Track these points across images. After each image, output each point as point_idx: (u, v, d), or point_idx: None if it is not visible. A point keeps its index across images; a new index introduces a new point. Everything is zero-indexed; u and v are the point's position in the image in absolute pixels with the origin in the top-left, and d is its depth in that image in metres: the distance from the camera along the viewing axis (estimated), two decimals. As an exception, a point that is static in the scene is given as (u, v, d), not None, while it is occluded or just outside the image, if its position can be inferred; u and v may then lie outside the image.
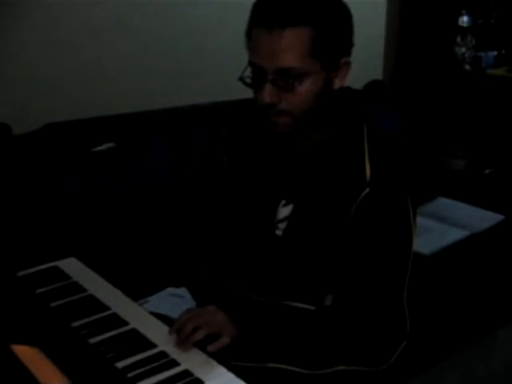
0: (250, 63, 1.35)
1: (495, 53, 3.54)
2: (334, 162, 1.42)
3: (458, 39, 3.54)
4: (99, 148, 2.36)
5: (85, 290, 1.53)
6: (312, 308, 1.45)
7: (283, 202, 1.46)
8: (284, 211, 1.46)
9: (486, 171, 3.33)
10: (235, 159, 1.55)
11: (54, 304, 1.46)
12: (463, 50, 3.53)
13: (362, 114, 1.50)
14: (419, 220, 2.71)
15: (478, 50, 3.55)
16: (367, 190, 1.38)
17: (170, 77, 2.74)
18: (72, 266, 1.65)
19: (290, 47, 1.28)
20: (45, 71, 2.41)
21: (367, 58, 3.47)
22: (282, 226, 1.46)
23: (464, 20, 3.52)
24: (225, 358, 1.29)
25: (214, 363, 1.26)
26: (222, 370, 1.24)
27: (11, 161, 2.16)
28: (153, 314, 1.48)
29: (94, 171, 2.27)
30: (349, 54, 1.39)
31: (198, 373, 1.22)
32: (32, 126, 2.29)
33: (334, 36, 1.33)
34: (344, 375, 1.36)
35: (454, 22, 3.52)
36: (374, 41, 3.57)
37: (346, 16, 1.37)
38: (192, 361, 1.26)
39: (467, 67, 3.53)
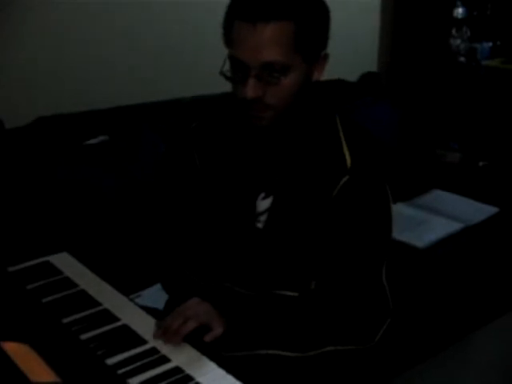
0: (231, 57, 1.34)
1: (490, 44, 3.53)
2: (310, 152, 1.44)
3: (453, 31, 3.53)
4: (92, 141, 2.35)
5: (76, 286, 1.52)
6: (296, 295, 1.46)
7: (262, 194, 1.47)
8: (264, 204, 1.46)
9: (481, 164, 3.33)
10: (207, 154, 1.54)
11: (45, 300, 1.45)
12: (458, 41, 3.53)
13: (333, 105, 1.51)
14: (413, 212, 2.74)
15: (473, 41, 3.54)
16: (347, 177, 1.40)
17: (161, 70, 2.73)
18: (64, 261, 1.64)
19: (274, 42, 1.28)
20: (37, 65, 2.40)
21: (362, 50, 3.46)
22: (263, 218, 1.47)
23: (459, 11, 3.51)
24: (215, 350, 1.29)
25: (205, 359, 1.25)
26: (213, 366, 1.24)
27: (3, 155, 2.14)
28: (146, 308, 1.47)
29: (86, 165, 2.26)
30: (326, 46, 1.40)
31: (189, 369, 1.22)
32: (24, 119, 2.28)
33: (314, 29, 1.34)
34: (333, 356, 1.37)
35: (449, 13, 3.51)
36: (368, 33, 3.56)
37: (324, 10, 1.38)
38: (183, 357, 1.25)
39: (462, 59, 3.52)
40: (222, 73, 1.36)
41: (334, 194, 1.40)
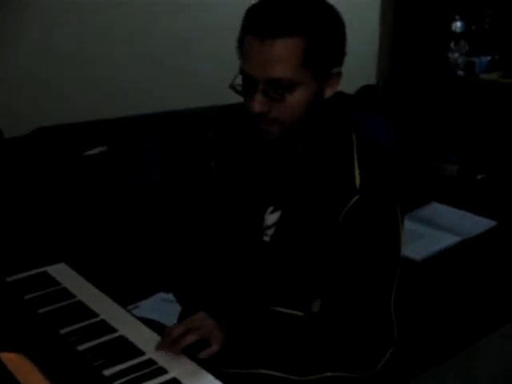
0: (241, 71, 1.34)
1: (488, 58, 3.53)
2: (322, 168, 1.42)
3: (452, 44, 3.54)
4: (91, 152, 2.36)
5: (74, 296, 1.52)
6: (299, 314, 1.45)
7: (271, 208, 1.46)
8: (272, 217, 1.46)
9: (479, 177, 3.33)
10: (222, 164, 1.55)
11: (42, 310, 1.45)
12: (456, 55, 3.53)
13: (351, 122, 1.49)
14: (411, 225, 2.74)
15: (471, 55, 3.55)
16: (357, 197, 1.37)
17: (161, 81, 2.74)
18: (61, 272, 1.64)
19: (281, 58, 1.27)
20: (37, 75, 2.40)
21: (360, 63, 3.47)
22: (270, 232, 1.46)
23: (457, 25, 3.52)
24: (214, 366, 1.29)
25: (202, 371, 1.25)
26: (210, 377, 1.24)
27: (2, 165, 2.15)
28: (143, 319, 1.47)
29: (85, 175, 2.26)
30: (341, 63, 1.38)
31: (186, 381, 1.22)
32: (23, 129, 2.28)
33: (326, 46, 1.32)
34: (331, 382, 1.36)
35: (447, 27, 3.52)
36: (367, 45, 3.56)
37: (338, 26, 1.35)
38: (180, 369, 1.25)
39: (460, 73, 3.52)
40: (231, 86, 1.36)
41: (343, 214, 1.37)
